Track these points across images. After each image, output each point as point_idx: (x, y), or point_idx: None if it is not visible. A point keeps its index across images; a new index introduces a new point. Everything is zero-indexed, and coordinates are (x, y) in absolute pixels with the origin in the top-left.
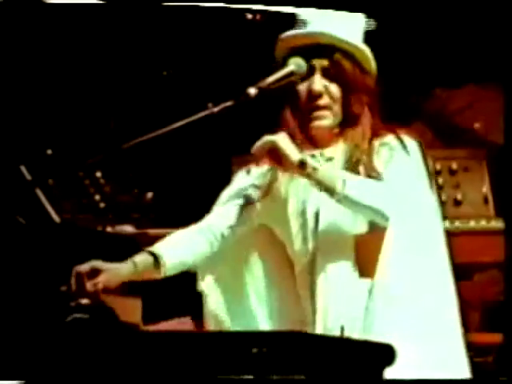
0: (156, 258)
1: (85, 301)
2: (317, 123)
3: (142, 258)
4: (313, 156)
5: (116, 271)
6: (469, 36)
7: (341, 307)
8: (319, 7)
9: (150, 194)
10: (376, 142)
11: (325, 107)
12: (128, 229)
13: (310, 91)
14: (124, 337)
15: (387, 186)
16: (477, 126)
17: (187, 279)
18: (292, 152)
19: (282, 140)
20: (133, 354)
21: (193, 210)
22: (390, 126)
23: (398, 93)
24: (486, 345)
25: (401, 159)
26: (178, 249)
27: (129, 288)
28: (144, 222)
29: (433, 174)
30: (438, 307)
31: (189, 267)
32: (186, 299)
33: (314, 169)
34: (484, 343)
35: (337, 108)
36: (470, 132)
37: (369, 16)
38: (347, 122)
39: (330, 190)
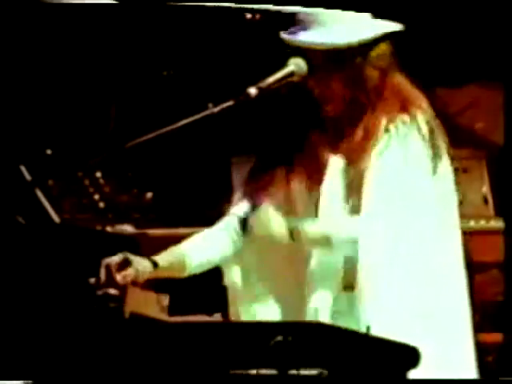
0: (181, 257)
1: (113, 291)
2: None
3: (167, 256)
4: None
5: (145, 264)
6: (469, 35)
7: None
8: (327, 7)
9: (149, 194)
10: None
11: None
12: (128, 229)
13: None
14: (144, 327)
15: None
16: (478, 126)
17: (215, 276)
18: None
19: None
20: (153, 344)
21: (193, 210)
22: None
23: None
24: (486, 345)
25: (393, 151)
26: (202, 247)
27: (156, 283)
28: (143, 221)
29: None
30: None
31: (214, 265)
32: (214, 296)
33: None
34: (484, 343)
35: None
36: (471, 132)
37: (372, 13)
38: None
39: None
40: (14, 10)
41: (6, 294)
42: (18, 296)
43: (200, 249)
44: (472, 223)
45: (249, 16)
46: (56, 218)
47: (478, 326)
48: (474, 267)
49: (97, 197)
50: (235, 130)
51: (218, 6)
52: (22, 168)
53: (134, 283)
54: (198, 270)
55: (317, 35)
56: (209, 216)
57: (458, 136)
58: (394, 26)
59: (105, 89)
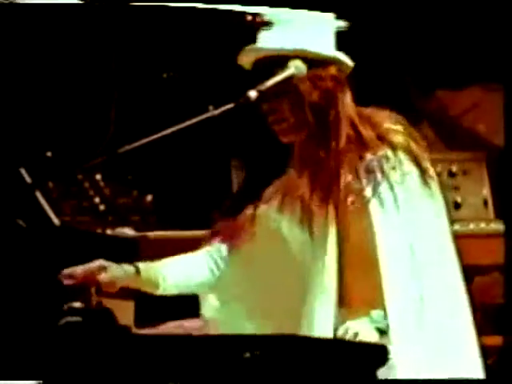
0: (158, 273)
1: (77, 304)
2: None
3: (145, 270)
4: None
5: (126, 269)
6: (471, 36)
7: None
8: (294, 7)
9: (149, 197)
10: (364, 162)
11: None
12: (128, 231)
13: None
14: (118, 340)
15: None
16: (480, 128)
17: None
18: None
19: None
20: (126, 357)
21: (192, 212)
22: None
23: (402, 94)
24: (487, 347)
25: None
26: (179, 268)
27: (122, 290)
28: (144, 224)
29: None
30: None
31: (191, 290)
32: (183, 301)
33: None
34: (484, 346)
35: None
36: (473, 134)
37: (372, 17)
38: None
39: None
40: (14, 10)
41: (7, 295)
42: (19, 298)
43: (177, 269)
44: (472, 226)
45: (249, 18)
46: (56, 221)
47: (479, 329)
48: (472, 270)
49: (97, 199)
50: (235, 132)
51: (219, 10)
52: (22, 170)
53: (100, 292)
54: (173, 291)
55: (265, 42)
56: (209, 219)
57: (459, 138)
58: (344, 58)
59: (105, 91)
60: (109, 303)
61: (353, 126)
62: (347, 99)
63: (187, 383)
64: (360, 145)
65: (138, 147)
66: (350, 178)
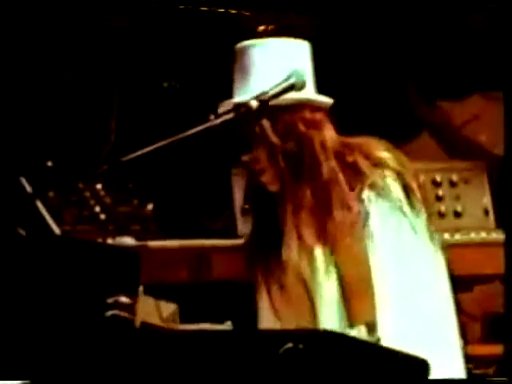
0: None
1: (124, 299)
2: None
3: None
4: None
5: None
6: (472, 47)
7: None
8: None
9: (150, 206)
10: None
11: None
12: (128, 240)
13: None
14: (154, 337)
15: None
16: (481, 138)
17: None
18: None
19: None
20: (162, 353)
21: (193, 221)
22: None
23: (404, 105)
24: (487, 356)
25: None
26: None
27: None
28: (144, 233)
29: (422, 198)
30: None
31: None
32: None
33: None
34: (485, 355)
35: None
36: (475, 144)
37: (374, 26)
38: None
39: None
40: (15, 20)
41: (7, 305)
42: (19, 307)
43: None
44: (473, 235)
45: (251, 27)
46: (56, 230)
47: (479, 338)
48: (472, 279)
49: (97, 208)
50: (236, 141)
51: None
52: (23, 180)
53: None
54: None
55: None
56: (210, 227)
57: (460, 147)
58: (316, 98)
59: (105, 100)
60: (154, 303)
61: (339, 157)
62: (327, 135)
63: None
64: (350, 175)
65: (139, 156)
66: (342, 210)
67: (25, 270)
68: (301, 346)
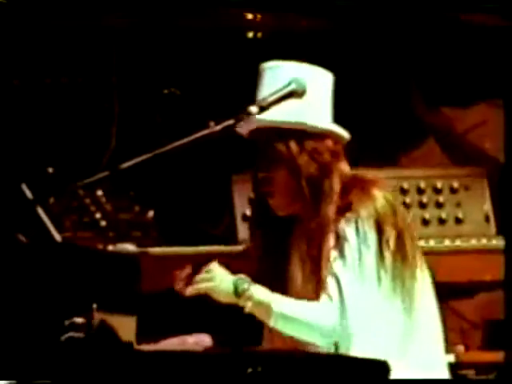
0: None
1: (79, 319)
2: None
3: None
4: None
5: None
6: (479, 55)
7: None
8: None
9: (150, 213)
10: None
11: None
12: (129, 247)
13: None
14: (119, 355)
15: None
16: (486, 144)
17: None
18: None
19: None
20: (128, 373)
21: (194, 228)
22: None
23: (409, 111)
24: (488, 363)
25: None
26: None
27: (123, 306)
28: (145, 240)
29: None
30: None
31: None
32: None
33: (249, 298)
34: (486, 362)
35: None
36: (479, 151)
37: (378, 32)
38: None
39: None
40: (21, 29)
41: (8, 312)
42: (19, 314)
43: None
44: (474, 242)
45: (250, 35)
46: (57, 237)
47: (480, 345)
48: (473, 286)
49: (98, 215)
50: (236, 147)
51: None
52: (24, 186)
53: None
54: None
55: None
56: (210, 234)
57: (465, 154)
58: (341, 132)
59: (106, 107)
60: (110, 319)
61: (343, 194)
62: (342, 169)
63: None
64: (342, 211)
65: (140, 163)
66: (329, 244)
67: (25, 276)
68: (259, 368)
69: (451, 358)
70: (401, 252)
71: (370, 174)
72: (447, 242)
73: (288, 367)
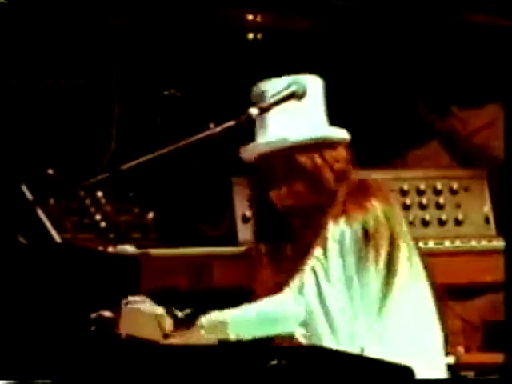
0: None
1: (107, 313)
2: None
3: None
4: None
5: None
6: (491, 55)
7: None
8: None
9: (150, 214)
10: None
11: None
12: (129, 248)
13: None
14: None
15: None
16: (494, 144)
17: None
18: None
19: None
20: (147, 366)
21: (194, 229)
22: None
23: (415, 112)
24: (488, 364)
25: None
26: None
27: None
28: (145, 241)
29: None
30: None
31: None
32: None
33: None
34: (485, 363)
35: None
36: (487, 153)
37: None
38: None
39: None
40: (22, 29)
41: (8, 312)
42: (19, 314)
43: None
44: (474, 243)
45: (250, 36)
46: (57, 238)
47: (480, 346)
48: (473, 287)
49: (98, 216)
50: (236, 149)
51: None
52: (24, 187)
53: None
54: None
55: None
56: (210, 235)
57: (473, 155)
58: (343, 134)
59: (106, 108)
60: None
61: (345, 199)
62: (352, 175)
63: None
64: (336, 216)
65: (140, 164)
66: (317, 246)
67: (25, 277)
68: (284, 362)
69: (451, 359)
70: (387, 268)
71: (374, 175)
72: (447, 244)
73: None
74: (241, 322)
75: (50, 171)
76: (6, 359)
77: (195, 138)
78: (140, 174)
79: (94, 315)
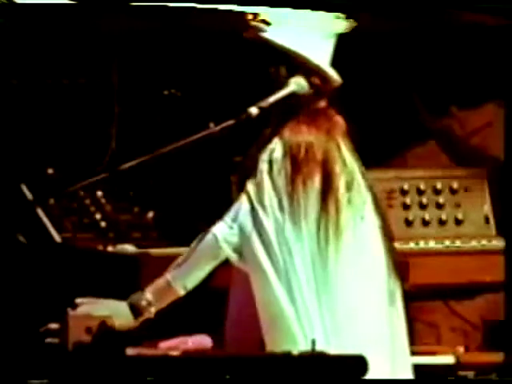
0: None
1: (54, 325)
2: None
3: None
4: None
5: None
6: (490, 54)
7: None
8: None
9: (150, 214)
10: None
11: None
12: (129, 248)
13: None
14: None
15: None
16: (494, 144)
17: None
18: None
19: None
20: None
21: (194, 229)
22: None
23: (413, 112)
24: (488, 364)
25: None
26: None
27: None
28: (145, 241)
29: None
30: None
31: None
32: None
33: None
34: (485, 363)
35: None
36: (486, 153)
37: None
38: None
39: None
40: (23, 29)
41: (7, 311)
42: (18, 313)
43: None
44: (473, 243)
45: (250, 35)
46: (57, 237)
47: (480, 345)
48: (473, 287)
49: (98, 216)
50: (236, 148)
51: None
52: (23, 187)
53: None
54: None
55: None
56: None
57: (467, 156)
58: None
59: (106, 108)
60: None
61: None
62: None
63: None
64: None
65: (140, 164)
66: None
67: (25, 277)
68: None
69: (451, 359)
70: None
71: (374, 175)
72: (447, 243)
73: (267, 370)
74: (184, 274)
75: (50, 171)
76: (5, 359)
77: (195, 137)
78: (140, 174)
79: (42, 329)
